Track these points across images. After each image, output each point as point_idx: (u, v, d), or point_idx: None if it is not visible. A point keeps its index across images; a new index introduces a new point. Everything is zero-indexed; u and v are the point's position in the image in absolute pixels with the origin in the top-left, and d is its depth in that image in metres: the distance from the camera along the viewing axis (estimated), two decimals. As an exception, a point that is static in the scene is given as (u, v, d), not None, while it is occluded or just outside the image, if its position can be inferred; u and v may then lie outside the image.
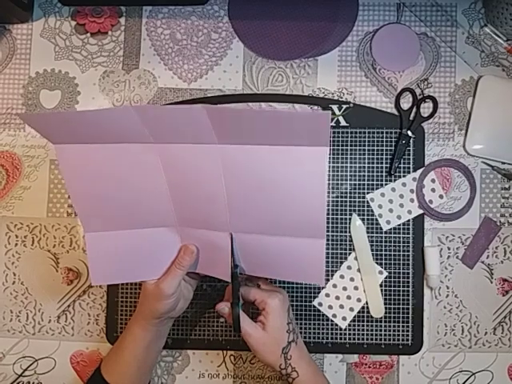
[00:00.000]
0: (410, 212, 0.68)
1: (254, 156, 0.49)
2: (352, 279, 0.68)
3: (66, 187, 0.60)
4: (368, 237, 0.68)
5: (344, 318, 0.68)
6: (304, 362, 0.57)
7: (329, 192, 0.69)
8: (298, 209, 0.51)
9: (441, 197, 0.69)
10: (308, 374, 0.56)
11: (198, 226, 0.56)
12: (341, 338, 0.68)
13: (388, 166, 0.68)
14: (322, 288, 0.68)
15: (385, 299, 0.68)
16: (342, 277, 0.68)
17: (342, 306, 0.68)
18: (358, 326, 0.68)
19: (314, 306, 0.68)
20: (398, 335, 0.68)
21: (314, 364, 0.59)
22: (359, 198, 0.68)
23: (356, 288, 0.68)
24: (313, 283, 0.64)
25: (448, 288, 0.68)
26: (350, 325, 0.68)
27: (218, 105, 0.69)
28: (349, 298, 0.68)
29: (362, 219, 0.68)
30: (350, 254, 0.68)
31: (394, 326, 0.67)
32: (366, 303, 0.68)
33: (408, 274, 0.68)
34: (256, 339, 0.55)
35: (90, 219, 0.56)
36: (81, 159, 0.52)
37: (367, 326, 0.68)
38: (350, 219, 0.68)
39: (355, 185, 0.68)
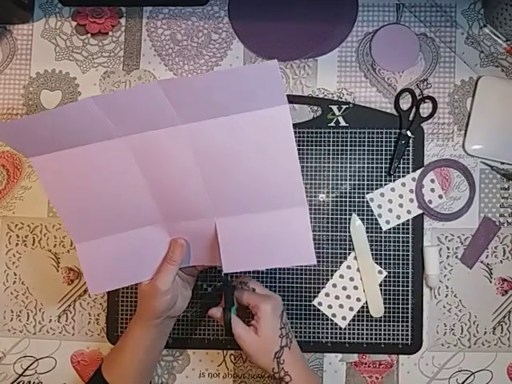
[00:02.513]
0: (409, 212, 0.68)
1: (218, 130, 0.49)
2: (352, 279, 0.68)
3: (50, 200, 0.60)
4: (367, 237, 0.68)
5: (344, 318, 0.68)
6: (297, 367, 0.57)
7: (329, 192, 0.69)
8: (273, 176, 0.51)
9: (440, 197, 0.69)
10: (301, 379, 0.56)
11: (183, 217, 0.55)
12: (340, 338, 0.68)
13: (387, 166, 0.69)
14: (322, 287, 0.68)
15: (384, 299, 0.68)
16: (341, 276, 0.68)
17: (341, 306, 0.68)
18: (358, 325, 0.68)
19: (314, 306, 0.68)
20: (398, 335, 0.68)
21: (308, 369, 0.59)
22: (359, 198, 0.69)
23: (356, 288, 0.68)
24: (304, 264, 0.60)
25: (447, 288, 0.68)
26: (349, 324, 0.68)
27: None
28: (348, 297, 0.68)
29: (362, 219, 0.68)
30: (349, 253, 0.68)
31: (394, 326, 0.68)
32: (366, 303, 0.68)
33: (407, 273, 0.68)
34: (248, 343, 0.56)
35: (78, 229, 0.56)
36: (57, 169, 0.52)
37: (367, 325, 0.68)
38: (349, 219, 0.68)
39: (355, 185, 0.69)
